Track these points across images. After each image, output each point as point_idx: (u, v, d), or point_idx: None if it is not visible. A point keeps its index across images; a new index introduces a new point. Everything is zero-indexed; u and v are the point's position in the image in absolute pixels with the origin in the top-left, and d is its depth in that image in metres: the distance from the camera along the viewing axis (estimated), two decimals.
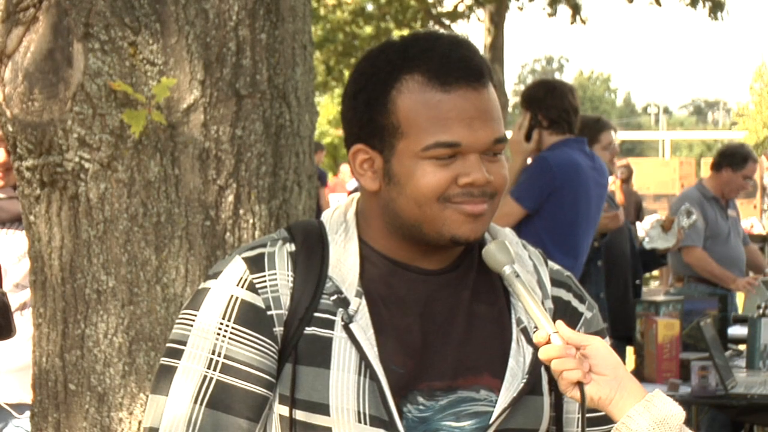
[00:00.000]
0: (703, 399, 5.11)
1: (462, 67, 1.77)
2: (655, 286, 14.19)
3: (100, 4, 2.79)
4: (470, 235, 1.78)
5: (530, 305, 1.76)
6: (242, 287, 1.79)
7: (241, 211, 2.88)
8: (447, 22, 21.78)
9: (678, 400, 5.75)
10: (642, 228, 13.49)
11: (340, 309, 1.78)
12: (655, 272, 16.66)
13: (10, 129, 2.88)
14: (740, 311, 7.58)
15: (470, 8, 21.22)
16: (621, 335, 6.03)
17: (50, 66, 2.82)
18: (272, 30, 2.91)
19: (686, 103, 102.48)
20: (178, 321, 1.83)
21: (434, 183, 1.76)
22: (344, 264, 1.81)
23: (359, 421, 1.75)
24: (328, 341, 1.77)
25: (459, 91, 1.76)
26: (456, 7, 21.54)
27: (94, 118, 2.81)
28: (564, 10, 20.26)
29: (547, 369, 1.86)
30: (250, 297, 1.79)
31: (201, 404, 1.77)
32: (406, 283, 1.82)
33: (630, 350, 5.92)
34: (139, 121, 2.75)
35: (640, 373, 5.38)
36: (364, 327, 1.77)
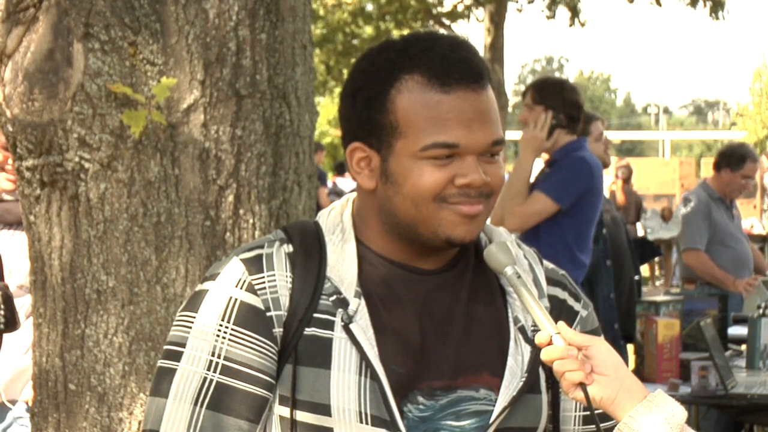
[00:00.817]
0: (703, 399, 5.11)
1: (462, 68, 1.77)
2: (658, 285, 14.20)
3: (100, 4, 2.79)
4: (465, 236, 1.79)
5: (532, 306, 1.76)
6: (241, 288, 1.79)
7: (241, 211, 2.88)
8: (447, 22, 21.78)
9: (678, 400, 5.74)
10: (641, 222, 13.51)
11: (340, 309, 1.78)
12: (656, 272, 16.67)
13: (10, 129, 2.88)
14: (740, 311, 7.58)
15: (469, 8, 21.22)
16: (627, 334, 6.01)
17: (50, 66, 2.82)
18: (272, 30, 2.91)
19: (686, 103, 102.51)
20: (176, 323, 1.83)
21: (431, 183, 1.76)
22: (342, 265, 1.81)
23: (361, 421, 1.75)
24: (328, 342, 1.77)
25: (458, 92, 1.77)
26: (455, 6, 21.54)
27: (94, 118, 2.81)
28: (563, 12, 20.26)
29: (546, 367, 1.86)
30: (250, 298, 1.79)
31: (201, 406, 1.77)
32: (404, 283, 1.83)
33: (630, 350, 5.92)
34: (139, 121, 2.75)
35: (640, 373, 5.37)
36: (363, 327, 1.77)
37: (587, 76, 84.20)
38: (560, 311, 1.90)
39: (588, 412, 1.91)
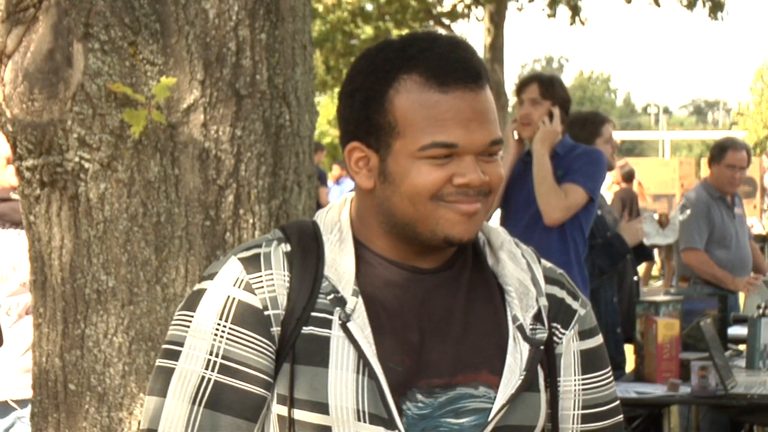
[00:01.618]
0: (703, 399, 5.11)
1: (460, 68, 1.77)
2: (656, 286, 14.20)
3: (100, 4, 2.79)
4: (464, 235, 1.79)
5: None
6: (239, 287, 1.79)
7: (241, 211, 2.88)
8: (447, 22, 21.79)
9: (678, 400, 5.73)
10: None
11: (337, 308, 1.78)
12: (655, 272, 16.67)
13: (10, 129, 2.88)
14: (741, 311, 7.58)
15: (468, 8, 21.23)
16: (628, 336, 6.02)
17: (50, 66, 2.82)
18: (272, 30, 2.91)
19: (686, 103, 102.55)
20: (174, 322, 1.83)
21: (429, 182, 1.76)
22: (340, 264, 1.81)
23: (359, 420, 1.76)
24: (326, 340, 1.78)
25: (457, 92, 1.77)
26: (455, 6, 21.54)
27: (94, 118, 2.81)
28: (563, 11, 20.27)
29: (544, 366, 1.87)
30: (247, 297, 1.79)
31: (199, 405, 1.77)
32: (402, 281, 1.83)
33: (630, 350, 5.92)
34: (139, 121, 2.76)
35: (640, 373, 5.38)
36: (361, 325, 1.77)
37: (587, 76, 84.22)
38: (558, 310, 1.91)
39: (588, 411, 1.92)
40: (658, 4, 19.05)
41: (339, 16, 22.15)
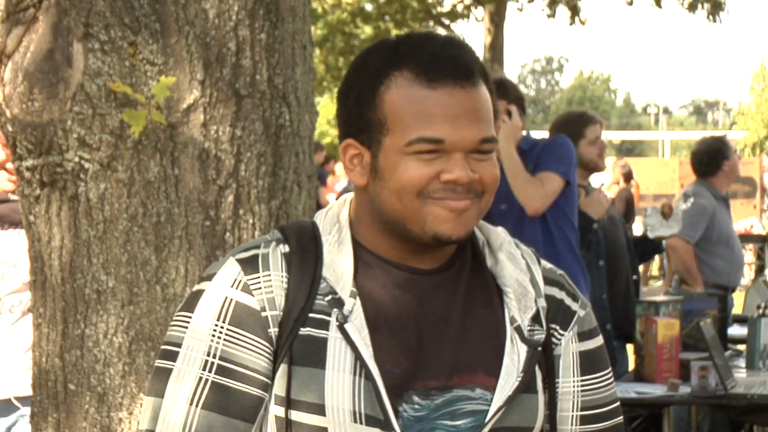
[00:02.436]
0: (703, 399, 5.11)
1: (451, 65, 1.77)
2: (656, 286, 14.20)
3: (100, 4, 2.79)
4: (452, 233, 1.78)
5: None
6: (237, 289, 1.79)
7: (241, 211, 2.88)
8: (447, 22, 21.79)
9: (678, 400, 5.74)
10: (640, 219, 13.51)
11: (335, 309, 1.78)
12: (655, 272, 16.67)
13: (10, 129, 2.88)
14: (741, 311, 7.59)
15: (469, 8, 21.23)
16: (624, 334, 6.01)
17: (50, 66, 2.82)
18: (272, 30, 2.91)
19: (686, 103, 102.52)
20: (172, 323, 1.83)
21: (415, 177, 1.76)
22: (338, 264, 1.81)
23: (355, 421, 1.75)
24: (323, 342, 1.77)
25: (446, 88, 1.76)
26: (455, 6, 21.54)
27: (94, 118, 2.81)
28: (563, 11, 20.27)
29: (542, 367, 1.86)
30: (245, 298, 1.79)
31: (197, 406, 1.77)
32: (400, 282, 1.82)
33: (630, 350, 5.92)
34: (139, 121, 2.75)
35: (640, 373, 5.38)
36: (359, 327, 1.77)
37: (587, 76, 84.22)
38: (557, 311, 1.90)
39: (586, 413, 1.91)
40: (659, 5, 19.06)
41: (339, 16, 22.14)
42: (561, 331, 1.90)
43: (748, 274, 14.35)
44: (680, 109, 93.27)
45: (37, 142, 2.84)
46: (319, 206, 2.21)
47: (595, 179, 8.47)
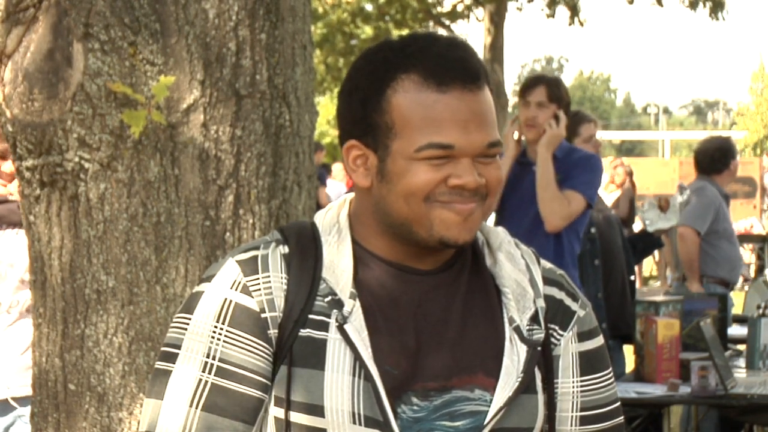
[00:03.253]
0: (703, 399, 5.11)
1: (459, 68, 1.76)
2: (656, 287, 14.19)
3: (100, 4, 2.79)
4: (459, 237, 1.78)
5: None
6: (236, 290, 1.79)
7: (241, 211, 2.88)
8: (447, 22, 21.79)
9: (678, 400, 5.72)
10: (638, 213, 13.50)
11: (335, 310, 1.77)
12: (654, 272, 16.67)
13: (10, 129, 2.88)
14: (741, 311, 7.59)
15: (469, 8, 21.23)
16: (620, 334, 6.02)
17: (50, 66, 2.82)
18: (272, 30, 2.91)
19: (686, 103, 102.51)
20: (172, 324, 1.83)
21: (423, 182, 1.75)
22: (338, 265, 1.80)
23: (354, 422, 1.75)
24: (323, 343, 1.77)
25: (455, 92, 1.75)
26: (455, 7, 21.54)
27: (94, 118, 2.81)
28: (563, 11, 20.27)
29: (541, 367, 1.86)
30: (244, 300, 1.79)
31: (196, 408, 1.77)
32: (400, 283, 1.82)
33: (630, 350, 5.92)
34: (139, 121, 2.75)
35: (640, 373, 5.38)
36: (358, 328, 1.76)
37: (587, 76, 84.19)
38: (557, 311, 1.90)
39: (586, 413, 1.91)
40: (660, 4, 19.06)
41: (339, 16, 22.14)
42: (560, 332, 1.89)
43: (748, 274, 14.34)
44: (680, 109, 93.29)
45: (37, 142, 2.84)
46: (319, 206, 2.21)
47: None
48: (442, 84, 1.75)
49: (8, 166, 3.96)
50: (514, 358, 1.82)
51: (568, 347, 1.90)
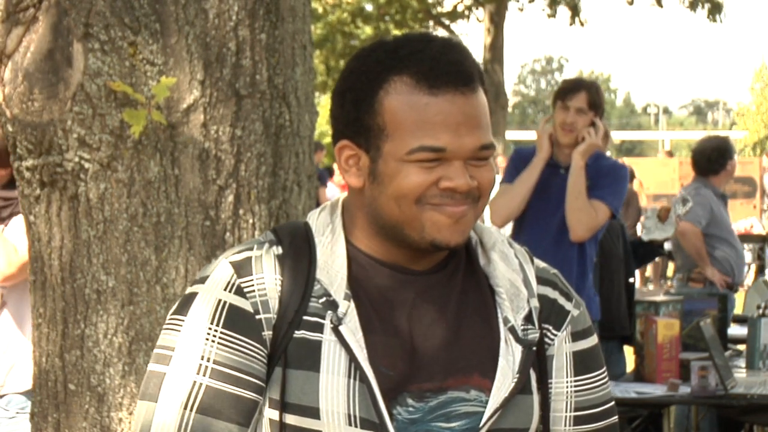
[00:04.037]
0: (703, 399, 5.11)
1: (452, 71, 1.75)
2: (651, 290, 14.19)
3: (100, 4, 2.79)
4: (450, 239, 1.77)
5: None
6: (230, 292, 1.78)
7: (241, 211, 2.88)
8: (447, 22, 21.79)
9: (678, 400, 5.72)
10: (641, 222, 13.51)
11: (329, 311, 1.77)
12: (648, 273, 16.66)
13: (10, 129, 2.88)
14: (741, 311, 7.59)
15: (469, 8, 21.24)
16: (615, 335, 6.01)
17: (50, 66, 2.82)
18: (272, 30, 2.91)
19: (686, 103, 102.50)
20: (165, 326, 1.81)
21: (415, 184, 1.74)
22: (332, 266, 1.80)
23: (349, 424, 1.75)
24: (318, 344, 1.76)
25: (447, 95, 1.75)
26: (455, 7, 21.55)
27: (94, 118, 2.81)
28: (563, 11, 20.28)
29: (536, 368, 1.86)
30: (238, 301, 1.78)
31: (191, 410, 1.76)
32: (394, 284, 1.82)
33: (630, 350, 5.92)
34: (139, 121, 2.75)
35: (640, 373, 5.38)
36: (353, 329, 1.76)
37: (587, 76, 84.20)
38: (551, 311, 1.89)
39: (580, 413, 1.91)
40: (660, 5, 19.08)
41: (339, 16, 22.15)
42: (554, 331, 1.89)
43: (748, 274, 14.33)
44: (680, 109, 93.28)
45: (37, 142, 2.84)
46: (319, 206, 2.20)
47: None
48: (434, 87, 1.74)
49: None
50: (510, 358, 1.82)
51: (562, 347, 1.89)
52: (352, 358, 1.74)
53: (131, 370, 2.85)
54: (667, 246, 9.66)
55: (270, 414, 1.79)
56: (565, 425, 1.90)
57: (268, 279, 1.79)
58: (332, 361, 1.75)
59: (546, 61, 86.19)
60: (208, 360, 1.76)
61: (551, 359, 1.88)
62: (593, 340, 1.93)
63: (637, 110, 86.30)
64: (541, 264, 1.94)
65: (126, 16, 2.80)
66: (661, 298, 5.90)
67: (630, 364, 6.01)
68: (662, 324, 5.22)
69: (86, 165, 2.83)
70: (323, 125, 32.42)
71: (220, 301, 1.78)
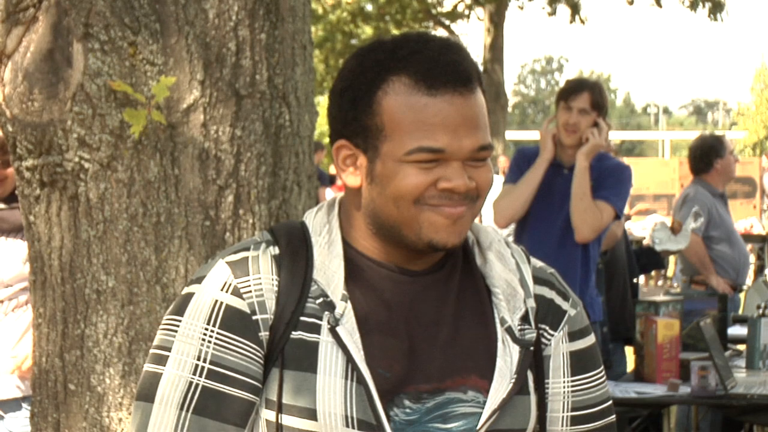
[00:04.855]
0: (703, 399, 5.10)
1: (450, 71, 1.75)
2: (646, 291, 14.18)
3: (100, 4, 2.79)
4: (447, 241, 1.77)
5: None
6: (227, 292, 1.78)
7: (241, 211, 2.88)
8: (447, 22, 21.80)
9: (678, 400, 5.72)
10: (643, 229, 13.48)
11: (326, 312, 1.76)
12: (652, 273, 16.66)
13: (10, 129, 2.88)
14: (741, 311, 7.58)
15: (470, 8, 21.24)
16: (621, 337, 6.02)
17: (50, 66, 2.82)
18: (272, 30, 2.91)
19: (686, 103, 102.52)
20: (162, 326, 1.81)
21: (413, 185, 1.74)
22: (329, 267, 1.79)
23: (347, 426, 1.74)
24: (315, 345, 1.76)
25: (445, 95, 1.74)
26: (455, 7, 21.55)
27: (94, 118, 2.81)
28: (563, 9, 20.28)
29: (533, 368, 1.85)
30: (235, 302, 1.78)
31: (187, 411, 1.76)
32: (391, 285, 1.81)
33: (630, 350, 5.91)
34: (139, 120, 2.75)
35: (640, 373, 5.38)
36: (350, 330, 1.75)
37: (587, 76, 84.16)
38: (547, 311, 1.89)
39: (578, 413, 1.90)
40: (659, 5, 19.07)
41: (339, 16, 22.15)
42: (551, 331, 1.89)
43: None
44: (680, 109, 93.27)
45: (37, 142, 2.84)
46: None
47: None
48: (432, 87, 1.74)
49: None
50: (507, 359, 1.81)
51: (558, 347, 1.89)
52: (349, 360, 1.74)
53: (131, 370, 2.85)
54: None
55: (267, 415, 1.78)
56: (562, 425, 1.89)
57: (264, 279, 1.78)
58: (329, 363, 1.75)
59: (546, 61, 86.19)
60: (205, 360, 1.76)
61: (548, 359, 1.88)
62: (590, 339, 1.93)
63: (637, 110, 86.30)
64: (538, 263, 1.93)
65: (126, 16, 2.80)
66: (661, 298, 5.90)
67: (630, 364, 6.01)
68: (662, 324, 5.22)
69: (86, 165, 2.83)
70: (323, 125, 32.44)
71: (216, 301, 1.77)
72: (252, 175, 2.89)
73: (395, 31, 21.41)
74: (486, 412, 1.78)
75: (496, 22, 20.25)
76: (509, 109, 19.31)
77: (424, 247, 1.78)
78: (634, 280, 6.40)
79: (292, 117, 2.97)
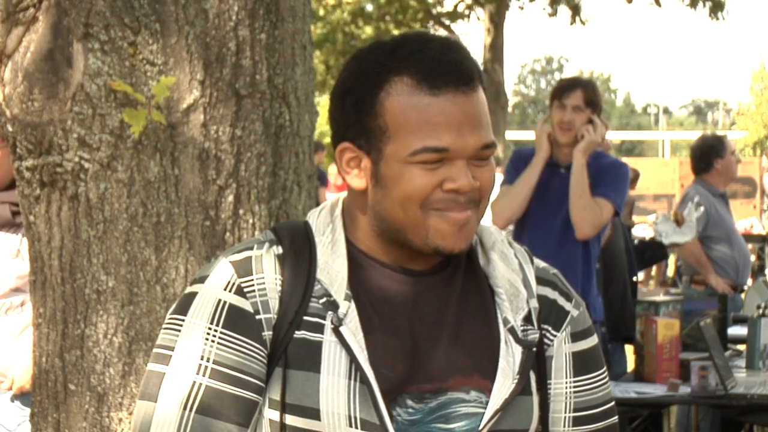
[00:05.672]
0: (703, 399, 5.11)
1: (452, 70, 1.75)
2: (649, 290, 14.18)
3: (100, 4, 2.79)
4: (454, 247, 1.77)
5: None
6: (230, 291, 1.78)
7: (241, 211, 2.88)
8: (447, 22, 21.80)
9: (678, 400, 5.73)
10: (643, 229, 13.49)
11: (330, 312, 1.76)
12: (653, 272, 16.65)
13: (10, 129, 2.88)
14: (741, 311, 7.58)
15: (470, 8, 21.24)
16: (621, 336, 6.02)
17: (50, 66, 2.82)
18: (272, 30, 2.91)
19: (686, 103, 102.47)
20: (165, 326, 1.81)
21: (419, 187, 1.74)
22: (332, 266, 1.79)
23: (350, 425, 1.74)
24: (318, 345, 1.76)
25: (448, 95, 1.74)
26: (456, 7, 21.55)
27: (94, 118, 2.81)
28: (564, 10, 20.28)
29: (536, 368, 1.85)
30: (238, 301, 1.77)
31: (190, 410, 1.76)
32: (395, 284, 1.81)
33: (630, 350, 5.92)
34: (139, 120, 2.75)
35: (640, 373, 5.38)
36: (353, 330, 1.75)
37: (587, 76, 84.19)
38: (550, 311, 1.89)
39: (579, 414, 1.90)
40: (659, 4, 19.08)
41: (339, 16, 22.15)
42: (553, 332, 1.89)
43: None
44: (680, 109, 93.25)
45: (37, 142, 2.84)
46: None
47: None
48: (434, 87, 1.74)
49: None
50: (510, 359, 1.81)
51: (561, 347, 1.89)
52: (352, 359, 1.74)
53: (131, 370, 2.85)
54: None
55: (270, 414, 1.79)
56: (565, 426, 1.89)
57: (268, 279, 1.78)
58: (333, 362, 1.75)
59: (546, 61, 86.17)
60: (208, 360, 1.76)
61: (551, 360, 1.88)
62: (593, 340, 1.93)
63: (637, 110, 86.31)
64: (541, 264, 1.93)
65: (126, 16, 2.80)
66: (661, 298, 5.91)
67: (630, 363, 6.01)
68: (662, 324, 5.22)
69: (86, 165, 2.83)
70: (323, 125, 32.43)
71: (220, 300, 1.77)
72: (252, 175, 2.89)
73: (395, 31, 21.41)
74: (488, 413, 1.78)
75: (497, 22, 20.25)
76: (509, 109, 19.31)
77: (430, 252, 1.78)
78: (634, 279, 6.40)
79: (292, 117, 2.97)
